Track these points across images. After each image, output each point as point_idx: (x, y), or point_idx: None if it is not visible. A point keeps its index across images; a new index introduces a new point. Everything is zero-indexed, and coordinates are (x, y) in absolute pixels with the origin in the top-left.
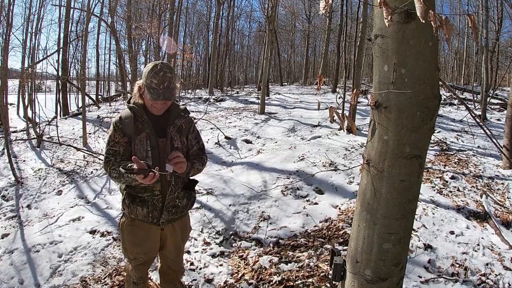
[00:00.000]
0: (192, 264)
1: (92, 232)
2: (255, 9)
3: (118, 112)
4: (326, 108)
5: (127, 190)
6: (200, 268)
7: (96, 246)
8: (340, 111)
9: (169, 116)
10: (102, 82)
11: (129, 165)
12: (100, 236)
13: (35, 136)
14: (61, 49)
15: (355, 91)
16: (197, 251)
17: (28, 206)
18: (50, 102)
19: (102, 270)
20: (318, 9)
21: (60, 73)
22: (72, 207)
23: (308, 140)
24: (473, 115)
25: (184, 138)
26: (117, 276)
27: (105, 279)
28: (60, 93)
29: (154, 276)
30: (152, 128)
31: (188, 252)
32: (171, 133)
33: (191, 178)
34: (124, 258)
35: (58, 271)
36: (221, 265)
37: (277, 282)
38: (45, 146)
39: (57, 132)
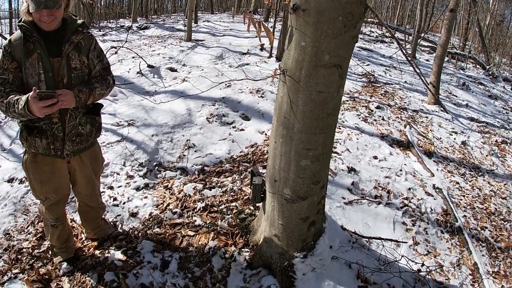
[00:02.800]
0: (115, 199)
1: (10, 180)
2: None
3: None
4: (256, 37)
5: (23, 121)
6: (124, 203)
7: (16, 194)
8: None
9: (64, 32)
10: (17, 18)
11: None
12: (19, 183)
13: None
14: None
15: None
16: (120, 186)
17: None
18: None
19: (24, 219)
20: None
21: None
22: None
23: (236, 67)
24: (404, 52)
25: (84, 57)
26: (40, 223)
27: (28, 228)
28: None
29: (77, 218)
30: (44, 47)
31: (111, 188)
32: (67, 51)
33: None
34: (37, 201)
35: None
36: (145, 197)
37: (201, 209)
38: None
39: None
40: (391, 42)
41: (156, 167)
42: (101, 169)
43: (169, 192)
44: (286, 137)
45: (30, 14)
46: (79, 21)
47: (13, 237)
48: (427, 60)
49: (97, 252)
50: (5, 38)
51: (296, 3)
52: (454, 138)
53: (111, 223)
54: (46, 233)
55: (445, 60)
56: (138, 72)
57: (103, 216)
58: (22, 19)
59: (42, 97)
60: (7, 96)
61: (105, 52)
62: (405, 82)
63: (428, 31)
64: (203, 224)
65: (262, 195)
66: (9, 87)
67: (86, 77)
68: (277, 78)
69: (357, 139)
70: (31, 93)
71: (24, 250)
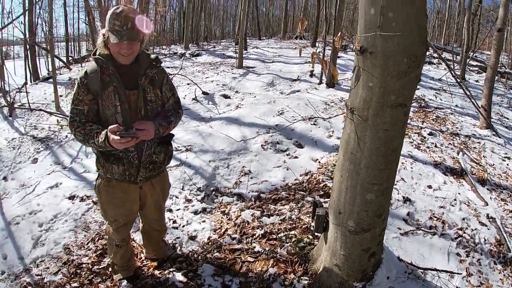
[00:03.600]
0: (174, 222)
1: (71, 197)
2: None
3: None
4: (305, 63)
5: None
6: (183, 226)
7: (76, 211)
8: (318, 57)
9: (139, 66)
10: (72, 42)
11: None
12: (80, 201)
13: (5, 105)
14: (27, 11)
15: (339, 34)
16: (179, 209)
17: (5, 178)
18: (20, 69)
19: (85, 236)
20: None
21: (27, 36)
22: (49, 174)
23: (287, 95)
24: (454, 74)
25: (158, 90)
26: (100, 240)
27: (88, 244)
28: (29, 57)
29: (138, 237)
30: (120, 80)
31: (170, 211)
32: (144, 84)
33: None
34: (104, 221)
35: (40, 241)
36: (203, 221)
37: (260, 236)
38: (18, 115)
39: (28, 98)
40: (439, 63)
41: (213, 192)
42: (168, 194)
43: (227, 217)
44: (352, 171)
45: (107, 47)
46: (153, 56)
47: (73, 252)
48: (476, 81)
49: (156, 272)
50: (63, 62)
51: (364, 45)
52: (507, 164)
53: (171, 245)
54: (109, 251)
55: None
56: (193, 99)
57: (163, 238)
58: (98, 52)
59: (123, 136)
60: (84, 126)
61: None
62: (456, 106)
63: (476, 50)
64: (262, 251)
65: (324, 226)
66: (84, 118)
67: (159, 109)
68: (339, 109)
69: (411, 168)
70: (110, 128)
71: (84, 265)
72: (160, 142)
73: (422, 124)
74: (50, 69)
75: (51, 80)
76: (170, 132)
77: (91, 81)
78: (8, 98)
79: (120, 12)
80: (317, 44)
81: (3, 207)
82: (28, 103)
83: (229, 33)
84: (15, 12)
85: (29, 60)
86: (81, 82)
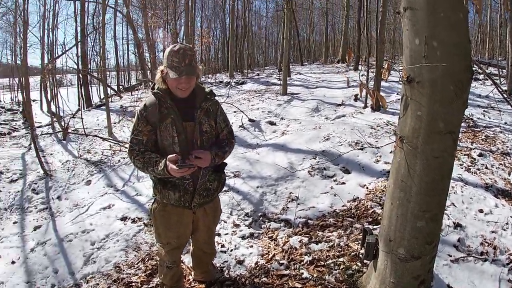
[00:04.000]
0: (223, 246)
1: (123, 219)
2: None
3: (142, 101)
4: (349, 87)
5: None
6: (231, 250)
7: (128, 232)
8: (361, 90)
9: (194, 99)
10: (122, 72)
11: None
12: (131, 223)
13: (60, 130)
14: (79, 43)
15: (387, 65)
16: (227, 233)
17: (59, 198)
18: (73, 95)
19: (135, 256)
20: None
21: (80, 66)
22: (102, 195)
23: (333, 120)
24: (500, 90)
25: (213, 122)
26: (149, 261)
27: (138, 264)
28: (82, 86)
29: (186, 259)
30: (177, 112)
31: (219, 235)
32: (199, 116)
33: None
34: (156, 243)
35: (91, 258)
36: (251, 246)
37: (308, 262)
38: (71, 139)
39: (82, 123)
40: (485, 79)
41: (261, 218)
42: (219, 219)
43: (274, 243)
44: (403, 199)
45: (165, 82)
46: (207, 90)
47: (123, 270)
48: None
49: None
50: (114, 90)
51: (410, 75)
52: None
53: (218, 268)
54: (160, 272)
55: None
56: (240, 126)
57: (212, 261)
58: (157, 87)
59: (181, 167)
60: (143, 155)
61: None
62: (505, 123)
63: None
64: (310, 277)
65: (374, 253)
66: (143, 147)
67: (214, 139)
68: (386, 133)
69: (462, 192)
70: (170, 157)
71: (133, 284)
72: (214, 170)
73: (472, 144)
74: (102, 96)
75: (103, 107)
76: (224, 161)
77: (150, 113)
78: (62, 123)
79: (178, 49)
80: (359, 67)
81: (56, 224)
82: (83, 128)
83: (271, 60)
84: (68, 44)
85: (82, 88)
86: (141, 114)
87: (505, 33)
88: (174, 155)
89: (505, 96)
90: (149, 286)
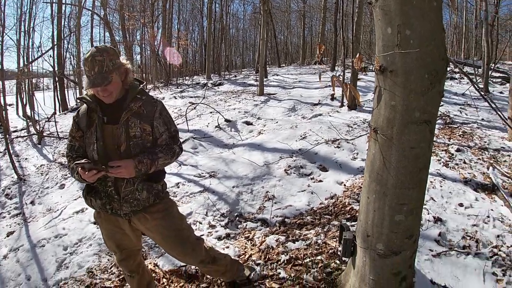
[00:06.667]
0: None
1: (96, 222)
2: None
3: None
4: (325, 87)
5: None
6: None
7: (101, 236)
8: (337, 79)
9: (125, 101)
10: None
11: (83, 161)
12: None
13: (35, 133)
14: (56, 45)
15: (358, 55)
16: (202, 235)
17: (32, 202)
18: (49, 99)
19: (108, 260)
20: None
21: (56, 69)
22: (75, 199)
23: (309, 119)
24: (477, 87)
25: (147, 125)
26: None
27: (112, 269)
28: (58, 89)
29: (161, 262)
30: (100, 117)
31: None
32: (123, 119)
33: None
34: None
35: (64, 264)
36: (227, 247)
37: (285, 261)
38: (46, 143)
39: (56, 127)
40: (461, 78)
41: (237, 218)
42: (181, 226)
43: (251, 243)
44: (379, 193)
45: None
46: (139, 88)
47: (96, 275)
48: (500, 93)
49: None
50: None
51: (383, 65)
52: None
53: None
54: (126, 279)
55: None
56: (216, 126)
57: (231, 261)
58: (85, 93)
59: (85, 169)
60: (74, 161)
61: (185, 108)
62: (482, 119)
63: (498, 61)
64: (287, 277)
65: (352, 250)
66: (75, 153)
67: (148, 145)
68: (363, 131)
69: (441, 186)
70: (77, 162)
71: None
72: (146, 179)
73: (449, 140)
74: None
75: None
76: (162, 169)
77: (81, 119)
78: (38, 127)
79: (88, 56)
80: (336, 68)
81: (29, 229)
82: (57, 131)
83: (249, 62)
84: (45, 47)
85: (58, 91)
86: (74, 121)
87: (481, 33)
88: (84, 159)
89: (482, 93)
90: None
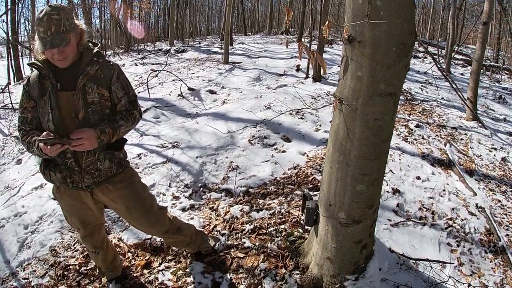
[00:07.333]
0: None
1: (56, 198)
2: None
3: None
4: (291, 57)
5: None
6: None
7: (62, 212)
8: (304, 46)
9: (80, 65)
10: None
11: (43, 136)
12: None
13: None
14: (9, 10)
15: (327, 23)
16: (166, 206)
17: None
18: (2, 68)
19: (71, 237)
20: None
21: (10, 36)
22: (33, 175)
23: (274, 89)
24: (439, 67)
25: (105, 90)
26: None
27: (75, 245)
28: (12, 57)
29: (125, 236)
30: (54, 83)
31: None
32: (80, 84)
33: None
34: None
35: (26, 244)
36: (192, 218)
37: (250, 231)
38: (1, 116)
39: (11, 98)
40: (424, 57)
41: (201, 189)
42: (144, 195)
43: (215, 213)
44: (342, 163)
45: (44, 52)
46: (95, 51)
47: (60, 253)
48: (461, 74)
49: (145, 271)
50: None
51: (352, 34)
52: (494, 155)
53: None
54: (90, 256)
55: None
56: (179, 95)
57: (195, 231)
58: (35, 58)
59: (47, 143)
60: (28, 134)
61: (147, 75)
62: (442, 98)
63: (461, 44)
64: (252, 246)
65: (314, 219)
66: (28, 126)
67: (107, 111)
68: (326, 103)
69: (400, 159)
70: (42, 135)
71: (71, 267)
72: (107, 147)
73: (409, 116)
74: None
75: None
76: (123, 137)
77: (32, 87)
78: None
79: (43, 15)
80: (303, 39)
81: None
82: (11, 103)
83: (214, 29)
84: None
85: (12, 60)
86: (24, 90)
87: (448, 16)
88: (45, 133)
89: (444, 73)
90: (88, 268)
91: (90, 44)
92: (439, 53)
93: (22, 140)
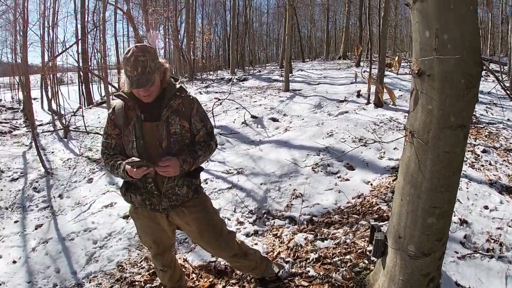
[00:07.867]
0: None
1: (126, 217)
2: None
3: None
4: (351, 83)
5: None
6: None
7: (130, 231)
8: (369, 85)
9: (163, 98)
10: None
11: (131, 159)
12: None
13: (61, 127)
14: (80, 40)
15: (397, 58)
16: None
17: (60, 196)
18: (74, 93)
19: (138, 254)
20: None
21: (81, 64)
22: (103, 193)
23: (336, 116)
24: (503, 86)
25: (185, 122)
26: None
27: (141, 263)
28: (83, 84)
29: (190, 257)
30: (139, 115)
31: None
32: (164, 116)
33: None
34: None
35: (93, 257)
36: (256, 244)
37: (314, 260)
38: (72, 137)
39: (84, 121)
40: (487, 75)
41: (265, 215)
42: (215, 219)
43: (279, 240)
44: (413, 195)
45: None
46: (177, 86)
47: (126, 269)
48: None
49: None
50: (115, 88)
51: (421, 68)
52: None
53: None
54: (157, 274)
55: None
56: (242, 122)
57: (260, 257)
58: (121, 90)
59: (134, 166)
60: (111, 158)
61: (211, 103)
62: (508, 120)
63: None
64: (316, 275)
65: (382, 250)
66: (112, 151)
67: (187, 141)
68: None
69: (467, 188)
70: (127, 160)
71: (136, 283)
72: (185, 175)
73: (475, 141)
74: (103, 94)
75: (104, 105)
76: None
77: (118, 116)
78: (63, 121)
79: (130, 56)
80: (361, 64)
81: (58, 222)
82: (85, 126)
83: (272, 56)
84: (69, 41)
85: (83, 86)
86: (109, 118)
87: (507, 29)
88: (132, 158)
89: (508, 92)
90: (153, 285)
91: (172, 80)
92: (502, 69)
93: (105, 163)
